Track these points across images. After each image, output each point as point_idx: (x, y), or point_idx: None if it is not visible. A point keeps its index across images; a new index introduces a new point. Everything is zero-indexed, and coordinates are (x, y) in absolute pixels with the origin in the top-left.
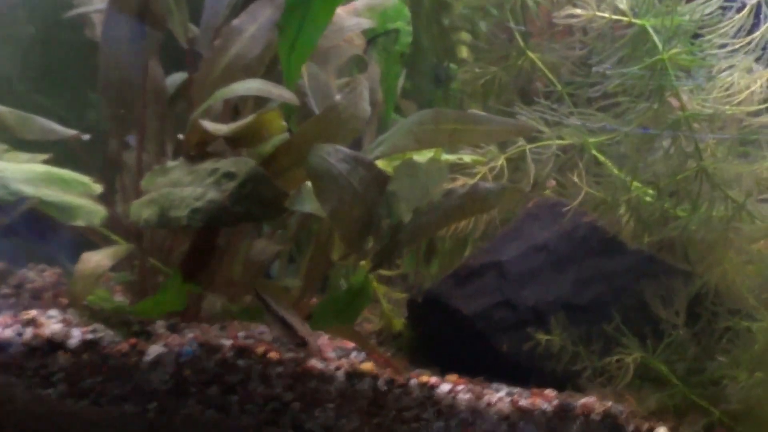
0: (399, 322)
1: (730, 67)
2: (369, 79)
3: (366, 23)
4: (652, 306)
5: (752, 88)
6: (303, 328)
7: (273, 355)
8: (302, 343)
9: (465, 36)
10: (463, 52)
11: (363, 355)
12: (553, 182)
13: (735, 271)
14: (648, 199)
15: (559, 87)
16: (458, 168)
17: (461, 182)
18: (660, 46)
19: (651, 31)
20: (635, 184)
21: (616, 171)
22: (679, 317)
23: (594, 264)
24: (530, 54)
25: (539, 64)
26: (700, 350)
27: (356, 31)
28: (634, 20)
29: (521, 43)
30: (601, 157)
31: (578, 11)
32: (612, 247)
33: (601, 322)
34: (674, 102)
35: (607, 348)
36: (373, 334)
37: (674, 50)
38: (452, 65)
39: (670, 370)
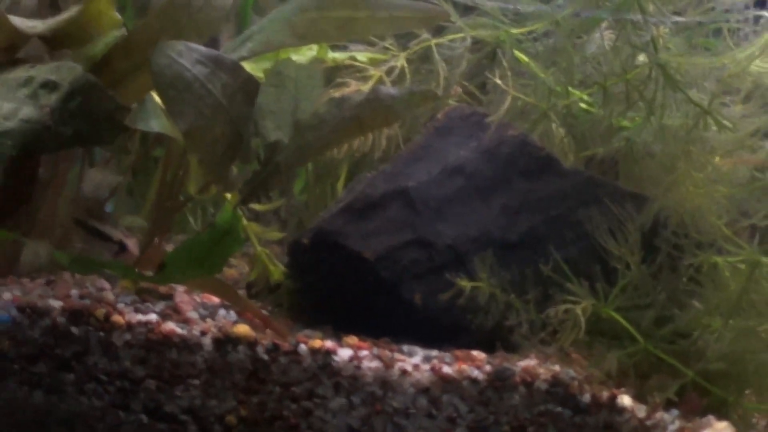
0: (277, 270)
1: None
2: None
3: None
4: (599, 239)
5: None
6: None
7: (118, 318)
8: (121, 249)
9: None
10: None
11: (234, 314)
12: (458, 89)
13: (700, 193)
14: (585, 106)
15: None
16: (347, 71)
17: (353, 88)
18: None
19: None
20: (570, 88)
21: (543, 72)
22: (633, 253)
23: (524, 188)
24: None
25: None
26: (663, 295)
27: None
28: None
29: None
30: (522, 55)
31: None
32: (545, 167)
33: (538, 262)
34: None
35: (546, 295)
36: (243, 285)
37: None
38: None
39: (628, 320)
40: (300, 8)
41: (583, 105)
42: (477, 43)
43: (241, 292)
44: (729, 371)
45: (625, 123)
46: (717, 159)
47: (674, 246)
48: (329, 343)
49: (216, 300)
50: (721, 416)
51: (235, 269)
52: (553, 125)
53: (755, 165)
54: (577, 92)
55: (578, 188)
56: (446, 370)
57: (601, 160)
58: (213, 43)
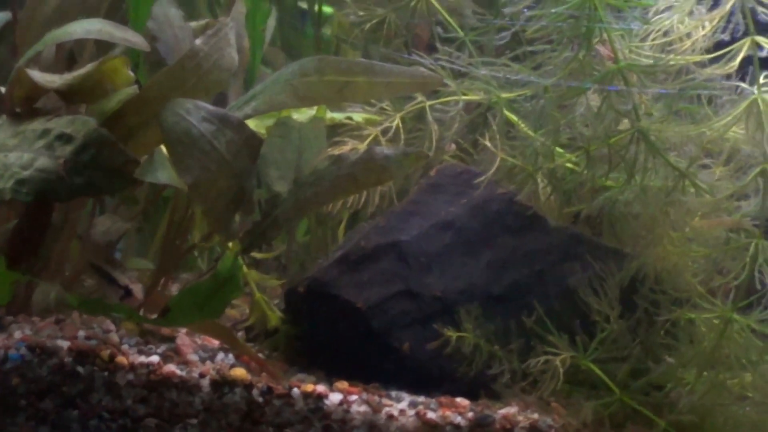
0: (275, 316)
1: (668, 8)
2: (234, 21)
3: None
4: (580, 294)
5: (694, 35)
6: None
7: (121, 359)
8: (126, 294)
9: None
10: None
11: (232, 357)
12: (452, 146)
13: (677, 252)
14: (572, 166)
15: (461, 33)
16: (345, 130)
17: (349, 147)
18: None
19: None
20: (558, 149)
21: (533, 133)
22: (612, 308)
23: (510, 244)
24: None
25: (436, 5)
26: (640, 348)
27: None
28: None
29: None
30: (514, 118)
31: None
32: (531, 223)
33: (521, 315)
34: (603, 50)
35: (528, 346)
36: (242, 330)
37: None
38: (326, 8)
39: (606, 372)
40: (301, 72)
41: (569, 165)
42: (471, 103)
43: (241, 335)
44: (700, 423)
45: (609, 183)
46: (695, 220)
47: (652, 302)
48: (321, 388)
49: (216, 343)
50: None
51: (237, 310)
52: (540, 184)
53: (730, 226)
54: (563, 153)
55: (562, 244)
56: (431, 415)
57: (587, 218)
58: (221, 98)
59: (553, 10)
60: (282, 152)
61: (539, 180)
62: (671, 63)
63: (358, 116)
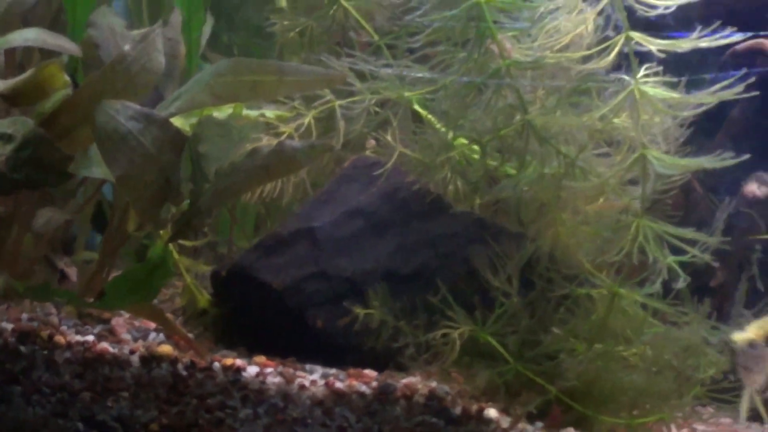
0: (203, 299)
1: (556, 9)
2: (170, 28)
3: None
4: (481, 273)
5: (578, 31)
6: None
7: (59, 339)
8: (62, 277)
9: None
10: (282, 1)
11: (163, 336)
12: (372, 142)
13: (568, 234)
14: (476, 156)
15: (376, 37)
16: (265, 126)
17: (266, 141)
18: None
19: None
20: (460, 140)
21: (437, 127)
22: (511, 285)
23: (417, 228)
24: (344, 2)
25: (353, 12)
26: (535, 321)
27: None
28: None
29: None
30: (424, 112)
31: None
32: (437, 209)
33: (426, 293)
34: (497, 50)
35: (433, 321)
36: (179, 311)
37: None
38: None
39: (502, 344)
40: (217, 73)
41: (475, 156)
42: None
43: (179, 318)
44: (589, 390)
45: (512, 171)
46: (589, 203)
47: (547, 279)
48: (239, 361)
49: (152, 324)
50: (582, 430)
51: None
52: (448, 173)
53: (619, 208)
54: (465, 144)
55: (466, 228)
56: (338, 385)
57: (496, 203)
58: (158, 98)
59: (442, 15)
60: (223, 151)
61: (446, 170)
62: (552, 60)
63: (271, 113)
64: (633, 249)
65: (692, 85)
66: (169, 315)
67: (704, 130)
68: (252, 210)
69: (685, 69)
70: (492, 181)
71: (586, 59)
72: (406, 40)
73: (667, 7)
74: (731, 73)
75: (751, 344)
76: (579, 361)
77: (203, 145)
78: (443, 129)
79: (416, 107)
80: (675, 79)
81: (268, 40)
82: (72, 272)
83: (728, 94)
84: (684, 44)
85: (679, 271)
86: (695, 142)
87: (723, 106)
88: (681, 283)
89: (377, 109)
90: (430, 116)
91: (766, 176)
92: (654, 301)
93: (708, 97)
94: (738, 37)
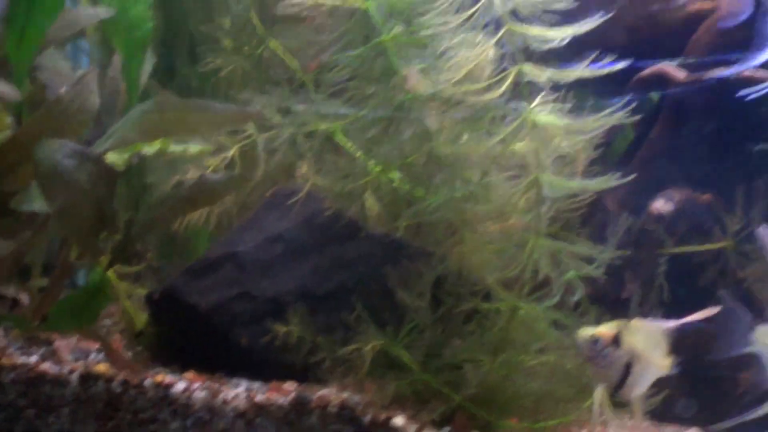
0: (140, 320)
1: (460, 44)
2: (112, 69)
3: (105, 12)
4: (394, 291)
5: (470, 66)
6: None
7: (5, 361)
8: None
9: (227, 23)
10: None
11: (102, 356)
12: (301, 170)
13: (473, 252)
14: (392, 182)
15: (299, 73)
16: (193, 159)
17: (191, 174)
18: (381, 28)
19: (372, 13)
20: (376, 168)
21: (357, 155)
22: (422, 301)
23: (335, 251)
24: (272, 42)
25: (279, 51)
26: (444, 335)
27: (94, 21)
28: (355, 4)
29: (261, 31)
30: (344, 142)
31: None
32: (353, 233)
33: (343, 311)
34: (406, 84)
35: (349, 337)
36: (124, 332)
37: (395, 32)
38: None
39: (411, 356)
40: (144, 111)
41: (395, 183)
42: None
43: (119, 339)
44: (493, 397)
45: (428, 195)
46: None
47: (455, 295)
48: (169, 378)
49: (94, 345)
50: None
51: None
52: (366, 199)
53: (521, 228)
54: (380, 171)
55: (380, 249)
56: (259, 397)
57: (417, 226)
58: (100, 133)
59: (354, 53)
60: (142, 181)
61: (364, 195)
62: (451, 92)
63: (195, 148)
64: (530, 265)
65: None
66: (117, 335)
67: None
68: (204, 234)
69: (607, 94)
70: (408, 205)
71: (487, 89)
72: (327, 75)
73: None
74: (634, 98)
75: (593, 339)
76: (481, 371)
77: (139, 178)
78: (360, 157)
79: (339, 137)
80: (569, 105)
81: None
82: (24, 298)
83: (613, 120)
84: (570, 74)
85: (579, 284)
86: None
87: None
88: (578, 294)
89: (306, 140)
90: (349, 145)
91: (673, 193)
92: (554, 313)
93: (594, 123)
94: (620, 65)
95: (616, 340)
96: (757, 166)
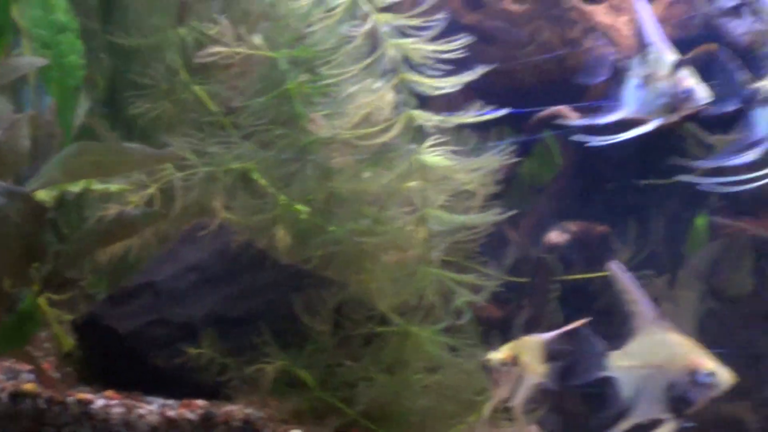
0: (68, 343)
1: (359, 91)
2: (48, 112)
3: (41, 61)
4: (299, 316)
5: (366, 111)
6: None
7: None
8: None
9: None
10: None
11: (33, 376)
12: (216, 206)
13: (370, 281)
14: (302, 216)
15: (221, 117)
16: (116, 197)
17: (113, 210)
18: (287, 76)
19: (280, 62)
20: (284, 203)
21: (270, 191)
22: (324, 325)
23: (244, 280)
24: (194, 87)
25: (203, 95)
26: (342, 356)
27: (33, 69)
28: (266, 53)
29: (186, 77)
30: (260, 179)
31: (219, 48)
32: (262, 262)
33: (251, 334)
34: (312, 126)
35: (255, 358)
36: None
37: (300, 80)
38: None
39: (311, 375)
40: (68, 154)
41: (302, 217)
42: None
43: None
44: (386, 413)
45: (333, 228)
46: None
47: (354, 320)
48: (89, 395)
49: (26, 366)
50: None
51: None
52: (279, 231)
53: (417, 258)
54: (290, 206)
55: (288, 278)
56: (170, 413)
57: (323, 256)
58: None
59: (263, 99)
60: (68, 217)
61: (276, 228)
62: (348, 135)
63: (115, 187)
64: (419, 292)
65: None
66: (53, 358)
67: None
68: (130, 264)
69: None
70: (314, 237)
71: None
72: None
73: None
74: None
75: (503, 363)
76: (374, 388)
77: (75, 213)
78: (270, 193)
79: (253, 175)
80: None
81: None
82: None
83: (493, 162)
84: (453, 119)
85: (465, 309)
86: None
87: None
88: (465, 317)
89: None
90: (260, 182)
91: (569, 225)
92: (442, 336)
93: (479, 163)
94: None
95: (515, 359)
96: (644, 200)
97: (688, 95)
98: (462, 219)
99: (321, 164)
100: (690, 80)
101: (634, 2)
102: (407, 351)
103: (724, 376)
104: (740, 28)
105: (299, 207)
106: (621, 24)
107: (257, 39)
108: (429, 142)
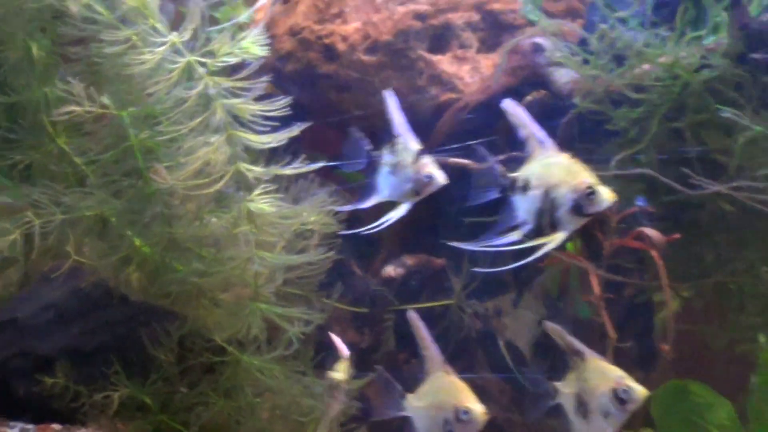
0: None
1: (205, 144)
2: None
3: None
4: (146, 347)
5: (199, 163)
6: None
7: None
8: None
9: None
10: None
11: None
12: (72, 249)
13: (207, 315)
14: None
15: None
16: None
17: None
18: (131, 133)
19: (125, 120)
20: (134, 246)
21: (120, 235)
22: (168, 355)
23: (97, 315)
24: (59, 140)
25: (66, 148)
26: (184, 382)
27: None
28: (113, 112)
29: (51, 131)
30: (114, 224)
31: (73, 108)
32: (113, 299)
33: (103, 365)
34: (156, 177)
35: (106, 386)
36: None
37: (143, 135)
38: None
39: (154, 400)
40: None
41: (151, 257)
42: None
43: None
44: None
45: (178, 267)
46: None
47: (193, 350)
48: None
49: None
50: None
51: None
52: (131, 271)
53: (249, 295)
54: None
55: (137, 313)
56: None
57: (169, 293)
58: None
59: (106, 155)
60: None
61: (129, 268)
62: (183, 185)
63: None
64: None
65: None
66: None
67: None
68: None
69: None
70: (161, 276)
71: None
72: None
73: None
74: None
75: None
76: (210, 411)
77: None
78: (122, 237)
79: (109, 221)
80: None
81: None
82: None
83: (317, 208)
84: (273, 171)
85: (295, 339)
86: None
87: None
88: (294, 344)
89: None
90: (114, 227)
91: (406, 259)
92: (271, 364)
93: (302, 209)
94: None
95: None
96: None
97: (429, 180)
98: (285, 259)
99: (162, 212)
100: (431, 167)
101: (384, 96)
102: (240, 377)
103: (478, 412)
104: (564, 77)
105: (146, 249)
106: (464, 72)
107: (105, 99)
108: (257, 191)
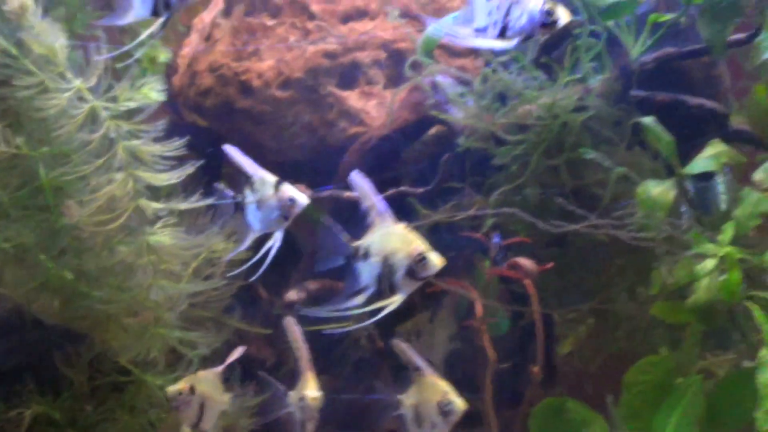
0: None
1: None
2: None
3: None
4: (60, 367)
5: (103, 201)
6: None
7: None
8: None
9: None
10: None
11: None
12: None
13: (114, 339)
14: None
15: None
16: None
17: None
18: (42, 172)
19: (36, 159)
20: (50, 274)
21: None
22: (79, 375)
23: (13, 338)
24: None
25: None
26: (93, 400)
27: None
28: (24, 152)
29: None
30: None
31: None
32: (29, 323)
33: (18, 384)
34: (66, 212)
35: (19, 404)
36: None
37: (53, 174)
38: None
39: (64, 416)
40: None
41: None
42: None
43: None
44: None
45: (91, 294)
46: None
47: (101, 371)
48: None
49: None
50: None
51: None
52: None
53: (152, 320)
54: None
55: (51, 336)
56: None
57: (84, 317)
58: None
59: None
60: None
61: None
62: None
63: None
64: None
65: None
66: None
67: None
68: None
69: None
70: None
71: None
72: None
73: None
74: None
75: (179, 393)
76: (115, 427)
77: None
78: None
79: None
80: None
81: None
82: None
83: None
84: (172, 206)
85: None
86: None
87: None
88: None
89: None
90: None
91: (307, 284)
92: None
93: (202, 240)
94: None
95: (192, 389)
96: None
97: (293, 203)
98: (184, 287)
99: (71, 244)
100: (291, 191)
101: (226, 150)
102: (143, 396)
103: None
104: (460, 114)
105: (59, 278)
106: (370, 107)
107: (19, 140)
108: (159, 224)
